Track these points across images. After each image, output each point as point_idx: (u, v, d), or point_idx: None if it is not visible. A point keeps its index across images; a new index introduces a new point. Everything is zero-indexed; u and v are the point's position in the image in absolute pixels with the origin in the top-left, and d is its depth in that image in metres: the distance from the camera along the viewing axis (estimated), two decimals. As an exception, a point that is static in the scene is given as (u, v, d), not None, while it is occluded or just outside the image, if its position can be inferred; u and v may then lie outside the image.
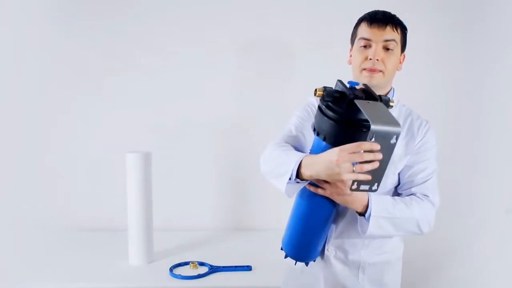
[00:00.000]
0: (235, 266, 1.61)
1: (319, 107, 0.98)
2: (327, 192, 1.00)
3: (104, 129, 2.12)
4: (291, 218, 1.12)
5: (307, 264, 1.16)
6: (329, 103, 0.94)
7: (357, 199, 1.02)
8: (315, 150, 1.00)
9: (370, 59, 1.09)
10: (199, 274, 1.54)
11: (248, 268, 1.61)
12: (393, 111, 0.93)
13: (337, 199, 1.02)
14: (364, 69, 1.11)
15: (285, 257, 1.17)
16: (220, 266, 1.61)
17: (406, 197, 1.12)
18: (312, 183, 1.02)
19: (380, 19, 1.10)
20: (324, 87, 0.95)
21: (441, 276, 2.09)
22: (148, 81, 2.10)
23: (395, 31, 1.10)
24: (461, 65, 2.04)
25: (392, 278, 1.20)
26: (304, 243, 1.11)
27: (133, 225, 1.67)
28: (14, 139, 2.11)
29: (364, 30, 1.12)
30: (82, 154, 2.13)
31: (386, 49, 1.10)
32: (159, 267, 1.63)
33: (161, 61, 2.10)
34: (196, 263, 1.63)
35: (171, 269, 1.59)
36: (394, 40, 1.10)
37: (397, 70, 1.17)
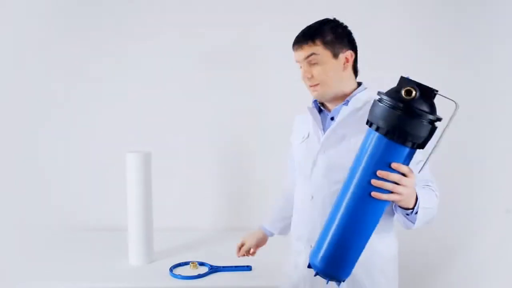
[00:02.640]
0: (235, 266, 1.61)
1: (400, 110, 0.84)
2: (401, 196, 0.90)
3: (104, 129, 2.12)
4: (339, 229, 0.93)
5: (339, 283, 0.99)
6: (415, 101, 0.84)
7: (411, 196, 0.95)
8: (401, 160, 0.87)
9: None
10: (199, 274, 1.54)
11: (248, 268, 1.60)
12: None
13: (404, 202, 0.94)
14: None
15: (328, 281, 1.00)
16: (220, 266, 1.61)
17: (422, 188, 1.08)
18: (377, 189, 0.89)
19: (298, 40, 1.19)
20: (415, 86, 0.85)
21: (441, 275, 2.09)
22: (148, 81, 2.10)
23: (312, 45, 1.16)
24: (461, 63, 2.04)
25: (389, 275, 1.20)
26: (353, 255, 0.95)
27: (133, 225, 1.67)
28: (13, 139, 2.11)
29: (294, 55, 1.21)
30: (82, 154, 2.13)
31: (313, 63, 1.16)
32: (159, 267, 1.63)
33: (162, 61, 2.10)
34: (196, 263, 1.63)
35: (171, 269, 1.58)
36: (313, 53, 1.16)
37: (343, 71, 1.18)
